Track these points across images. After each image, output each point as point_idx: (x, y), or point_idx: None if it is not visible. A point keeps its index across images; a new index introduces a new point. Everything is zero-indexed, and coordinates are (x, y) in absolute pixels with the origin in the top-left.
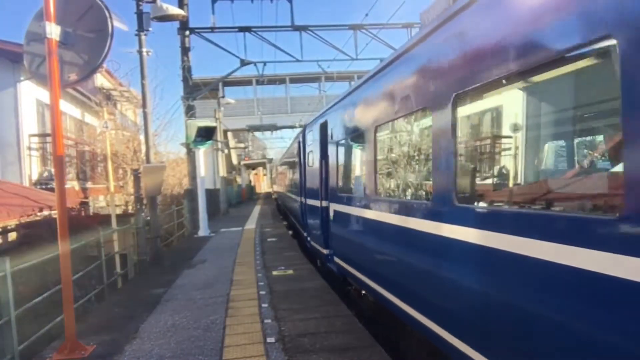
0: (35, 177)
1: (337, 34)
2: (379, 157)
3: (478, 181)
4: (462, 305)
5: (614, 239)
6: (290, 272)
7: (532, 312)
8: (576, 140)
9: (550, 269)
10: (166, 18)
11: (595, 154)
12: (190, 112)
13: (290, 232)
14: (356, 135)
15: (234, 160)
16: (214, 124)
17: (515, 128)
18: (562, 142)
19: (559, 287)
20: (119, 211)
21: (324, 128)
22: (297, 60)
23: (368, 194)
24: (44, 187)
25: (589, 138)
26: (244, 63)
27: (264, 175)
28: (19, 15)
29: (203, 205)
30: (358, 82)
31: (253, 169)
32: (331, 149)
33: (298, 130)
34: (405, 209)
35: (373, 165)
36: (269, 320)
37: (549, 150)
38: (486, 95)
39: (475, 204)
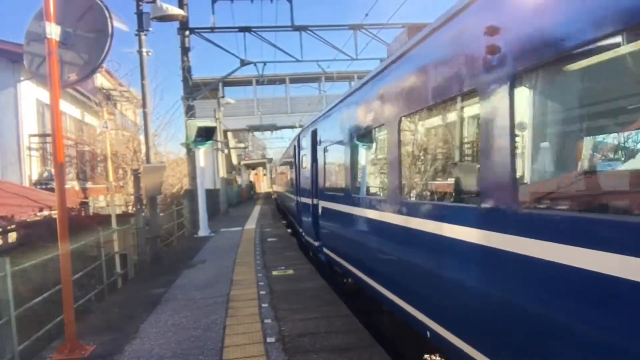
0: (35, 177)
1: (337, 34)
2: (356, 161)
3: (417, 181)
4: (420, 283)
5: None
6: (290, 272)
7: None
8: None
9: (458, 246)
10: (166, 18)
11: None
12: (190, 112)
13: (289, 231)
14: (338, 142)
15: (234, 160)
16: (214, 124)
17: (442, 140)
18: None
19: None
20: (119, 211)
21: (314, 135)
22: (297, 60)
23: (348, 192)
24: (44, 187)
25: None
26: (244, 63)
27: (264, 175)
28: (19, 16)
29: (203, 205)
30: (338, 99)
31: (253, 169)
32: (320, 154)
33: (298, 130)
34: (374, 205)
35: (350, 168)
36: (269, 320)
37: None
38: (420, 118)
39: (411, 198)
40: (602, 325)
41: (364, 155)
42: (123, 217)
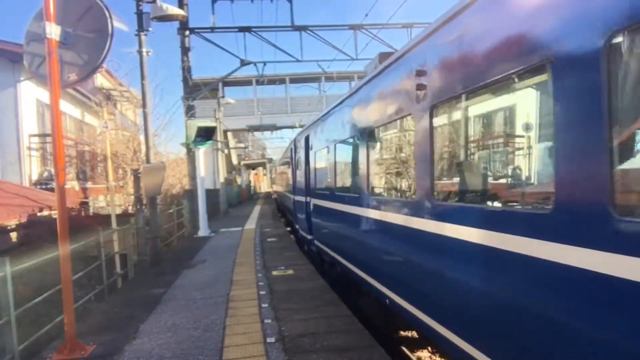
0: (35, 177)
1: (337, 34)
2: (337, 163)
3: (381, 180)
4: (388, 265)
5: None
6: (290, 272)
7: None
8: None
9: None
10: (166, 18)
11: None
12: (190, 112)
13: (288, 229)
14: (324, 147)
15: (234, 160)
16: (214, 124)
17: (411, 145)
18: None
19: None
20: (119, 211)
21: (307, 140)
22: (297, 60)
23: (332, 190)
24: (44, 187)
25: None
26: (244, 63)
27: (264, 175)
28: (19, 15)
29: (203, 205)
30: (325, 110)
31: (253, 169)
32: (311, 157)
33: (298, 130)
34: (352, 201)
35: (333, 170)
36: (269, 320)
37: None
38: (380, 132)
39: (375, 194)
40: (469, 271)
41: (343, 159)
42: (123, 217)
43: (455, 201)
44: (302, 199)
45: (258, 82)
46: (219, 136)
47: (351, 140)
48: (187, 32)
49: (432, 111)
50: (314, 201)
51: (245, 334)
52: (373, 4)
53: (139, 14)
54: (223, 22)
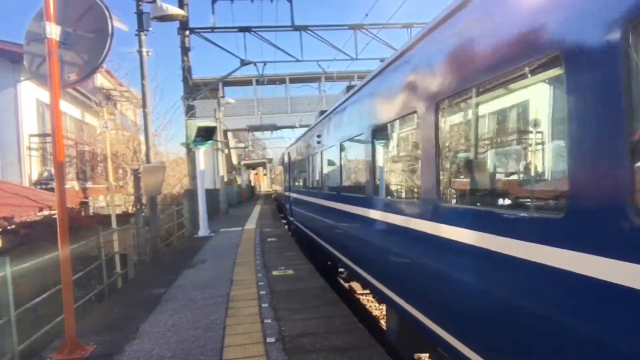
0: (35, 177)
1: (337, 34)
2: (294, 170)
3: (332, 180)
4: (331, 232)
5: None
6: (290, 272)
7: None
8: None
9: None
10: (166, 18)
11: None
12: (190, 112)
13: (284, 222)
14: (292, 159)
15: (234, 160)
16: (214, 124)
17: (387, 148)
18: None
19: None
20: (118, 211)
21: (288, 155)
22: (297, 60)
23: (298, 186)
24: (44, 187)
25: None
26: (244, 63)
27: (264, 175)
28: (19, 15)
29: (203, 205)
30: (301, 134)
31: (253, 168)
32: (290, 166)
33: (298, 130)
34: (303, 192)
35: (294, 174)
36: (269, 320)
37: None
38: (356, 140)
39: (326, 190)
40: (462, 266)
41: (298, 168)
42: (123, 217)
43: (380, 192)
44: (287, 193)
45: (258, 82)
46: (219, 136)
47: (301, 157)
48: (187, 32)
49: (374, 134)
50: (292, 194)
51: (245, 334)
52: (373, 4)
53: (139, 14)
54: (223, 22)
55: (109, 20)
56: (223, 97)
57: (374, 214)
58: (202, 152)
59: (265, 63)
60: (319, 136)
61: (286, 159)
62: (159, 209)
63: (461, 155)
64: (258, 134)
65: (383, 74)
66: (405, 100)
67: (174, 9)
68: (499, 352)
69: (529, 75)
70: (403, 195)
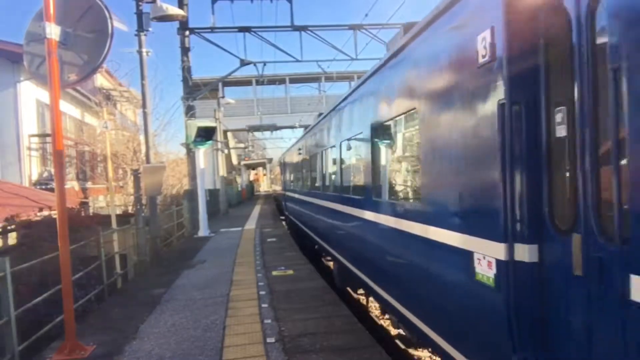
0: (35, 177)
1: (336, 34)
2: (291, 173)
3: (308, 180)
4: (314, 222)
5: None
6: (290, 272)
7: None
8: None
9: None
10: (166, 18)
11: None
12: (190, 112)
13: (282, 218)
14: (291, 164)
15: (234, 160)
16: (213, 124)
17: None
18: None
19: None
20: (118, 211)
21: (283, 158)
22: (297, 61)
23: (289, 187)
24: (43, 187)
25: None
26: (243, 63)
27: (264, 175)
28: (19, 15)
29: (203, 205)
30: (290, 146)
31: (253, 169)
32: (284, 169)
33: (298, 131)
34: (294, 192)
35: (287, 178)
36: (269, 321)
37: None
38: (319, 154)
39: (304, 189)
40: (370, 233)
41: (294, 171)
42: (123, 217)
43: (328, 189)
44: (283, 192)
45: (258, 82)
46: (219, 136)
47: (291, 163)
48: (187, 32)
49: (341, 147)
50: (286, 194)
51: (245, 334)
52: (373, 4)
53: (139, 14)
54: (223, 22)
55: (108, 21)
56: (223, 97)
57: (331, 205)
58: (202, 152)
59: (265, 63)
60: (299, 149)
61: (281, 164)
62: (159, 209)
63: (382, 165)
64: (258, 134)
65: (337, 110)
66: (347, 127)
67: (173, 9)
68: (389, 282)
69: (407, 118)
70: (349, 192)
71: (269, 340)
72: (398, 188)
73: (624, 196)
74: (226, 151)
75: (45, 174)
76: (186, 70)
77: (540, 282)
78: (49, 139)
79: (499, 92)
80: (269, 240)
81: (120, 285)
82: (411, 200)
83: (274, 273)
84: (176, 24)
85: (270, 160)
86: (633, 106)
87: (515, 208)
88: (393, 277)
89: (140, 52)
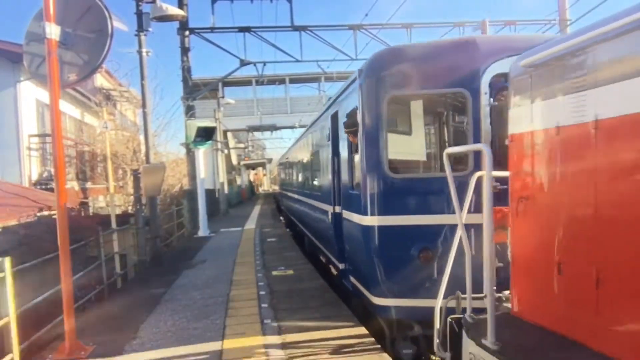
0: (35, 177)
1: (336, 34)
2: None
3: (292, 181)
4: (295, 212)
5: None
6: (290, 272)
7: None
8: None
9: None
10: (166, 18)
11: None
12: (190, 112)
13: (283, 220)
14: (281, 170)
15: (234, 161)
16: (213, 124)
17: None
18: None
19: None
20: (118, 211)
21: (278, 164)
22: (297, 61)
23: (281, 186)
24: (43, 187)
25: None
26: (243, 63)
27: (264, 175)
28: (20, 15)
29: (203, 205)
30: (279, 157)
31: (253, 169)
32: (280, 172)
33: (298, 130)
34: (282, 189)
35: (280, 178)
36: (269, 321)
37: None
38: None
39: (282, 189)
40: (309, 213)
41: (282, 175)
42: (123, 217)
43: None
44: (280, 190)
45: (258, 82)
46: (219, 136)
47: (282, 170)
48: (187, 32)
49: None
50: (281, 191)
51: (245, 334)
52: (373, 4)
53: (139, 14)
54: (223, 22)
55: (108, 21)
56: (223, 97)
57: (292, 195)
58: (201, 153)
59: (264, 63)
60: (285, 160)
61: (277, 169)
62: (159, 208)
63: (308, 173)
64: (258, 134)
65: (289, 150)
66: (297, 152)
67: (173, 9)
68: (309, 228)
69: (314, 152)
70: (299, 188)
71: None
72: (312, 185)
73: (336, 186)
74: (226, 151)
75: (45, 174)
76: (186, 70)
77: (341, 220)
78: (49, 139)
79: (329, 144)
80: (268, 240)
81: (120, 285)
82: (313, 190)
83: (274, 273)
84: (176, 24)
85: (270, 160)
86: (336, 156)
87: (335, 193)
88: (309, 226)
89: (140, 52)
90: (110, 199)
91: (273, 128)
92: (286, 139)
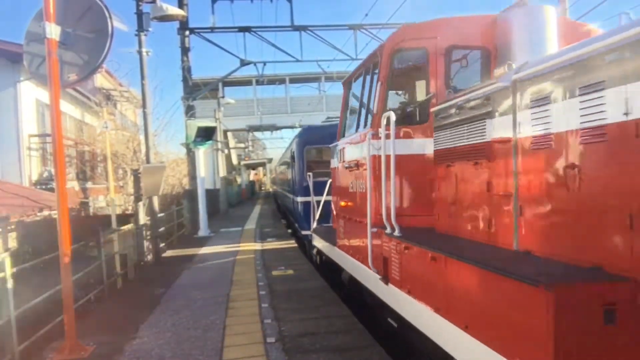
0: (35, 177)
1: (336, 34)
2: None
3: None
4: (285, 202)
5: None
6: (290, 272)
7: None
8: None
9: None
10: (166, 18)
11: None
12: (190, 112)
13: (284, 222)
14: (276, 172)
15: (234, 160)
16: (213, 124)
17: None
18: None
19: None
20: (118, 211)
21: (273, 167)
22: (297, 60)
23: (275, 185)
24: (43, 187)
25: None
26: (243, 63)
27: (264, 175)
28: (20, 15)
29: (203, 205)
30: (277, 161)
31: (253, 169)
32: (274, 174)
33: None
34: (278, 185)
35: (275, 179)
36: (269, 320)
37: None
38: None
39: (273, 187)
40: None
41: (276, 176)
42: (123, 217)
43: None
44: (275, 188)
45: (258, 82)
46: (219, 136)
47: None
48: (187, 32)
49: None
50: (275, 187)
51: (245, 334)
52: (373, 3)
53: (139, 14)
54: (223, 22)
55: (108, 21)
56: (223, 97)
57: (281, 192)
58: (202, 152)
59: (265, 63)
60: (277, 165)
61: (274, 172)
62: (159, 208)
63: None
64: (258, 134)
65: (280, 158)
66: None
67: (173, 9)
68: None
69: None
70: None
71: (269, 340)
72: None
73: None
74: (226, 151)
75: (46, 174)
76: (186, 70)
77: (306, 205)
78: (49, 139)
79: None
80: (269, 239)
81: (121, 285)
82: (286, 187)
83: (274, 273)
84: (176, 24)
85: (270, 160)
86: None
87: (297, 187)
88: (289, 210)
89: (140, 52)
90: (110, 199)
91: (273, 128)
92: (286, 139)
